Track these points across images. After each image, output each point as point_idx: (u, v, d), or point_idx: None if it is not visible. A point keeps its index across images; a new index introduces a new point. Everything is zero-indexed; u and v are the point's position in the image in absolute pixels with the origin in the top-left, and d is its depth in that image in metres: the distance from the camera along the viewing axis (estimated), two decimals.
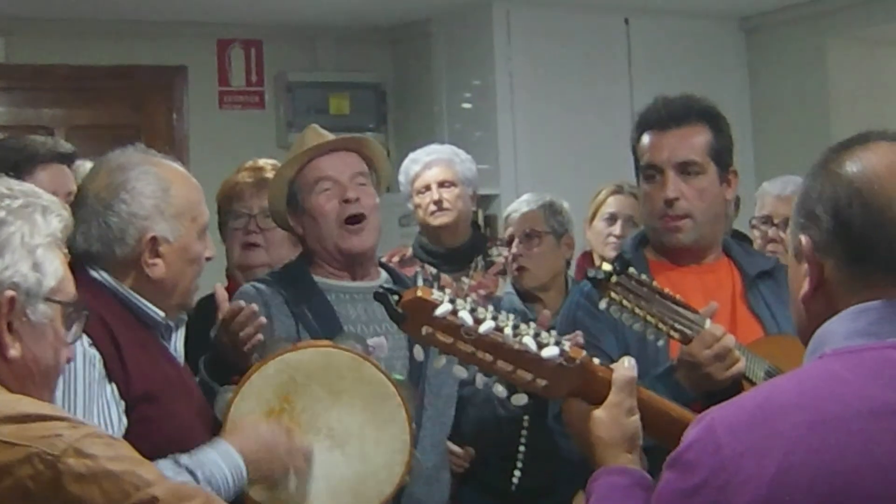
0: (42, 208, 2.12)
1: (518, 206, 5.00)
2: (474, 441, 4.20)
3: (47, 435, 1.89)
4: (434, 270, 5.04)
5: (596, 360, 2.20)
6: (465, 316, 2.06)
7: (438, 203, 5.17)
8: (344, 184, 3.55)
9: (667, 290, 3.04)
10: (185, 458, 2.79)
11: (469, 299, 2.10)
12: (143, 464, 1.95)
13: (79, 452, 1.87)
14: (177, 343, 3.09)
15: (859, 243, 1.80)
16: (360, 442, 3.11)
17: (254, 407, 3.03)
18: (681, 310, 3.04)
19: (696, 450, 1.74)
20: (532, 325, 2.12)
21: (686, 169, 3.36)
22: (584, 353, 2.17)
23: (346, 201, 3.54)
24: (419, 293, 2.07)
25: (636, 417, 2.19)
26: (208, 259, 3.09)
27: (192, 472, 2.75)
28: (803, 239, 1.86)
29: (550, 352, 2.11)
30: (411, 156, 5.33)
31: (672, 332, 3.03)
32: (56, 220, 2.14)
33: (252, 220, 4.13)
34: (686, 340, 3.05)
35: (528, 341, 2.09)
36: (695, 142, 3.39)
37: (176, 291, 3.00)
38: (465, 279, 5.09)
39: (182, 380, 3.06)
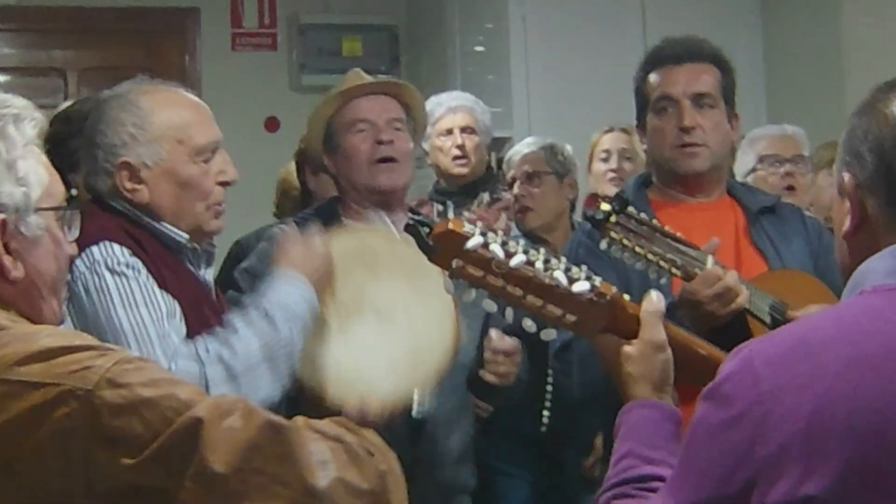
0: (14, 117, 2.04)
1: (519, 148, 5.02)
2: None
3: (76, 369, 1.81)
4: (440, 207, 5.07)
5: (626, 297, 2.19)
6: (497, 249, 2.05)
7: (461, 147, 5.24)
8: (380, 126, 3.60)
9: (667, 227, 3.04)
10: (254, 299, 2.87)
11: (500, 232, 2.09)
12: (178, 384, 1.86)
13: (112, 382, 1.79)
14: (206, 274, 3.08)
15: None
16: (407, 314, 3.15)
17: None
18: (682, 247, 3.04)
19: (733, 382, 1.73)
20: (563, 259, 2.12)
21: (700, 101, 3.42)
22: (614, 288, 2.16)
23: (380, 142, 3.59)
24: (450, 225, 2.05)
25: (667, 353, 2.18)
26: (226, 183, 3.02)
27: (265, 312, 2.83)
28: (846, 176, 1.86)
29: (581, 286, 2.10)
30: (434, 98, 5.36)
31: (674, 270, 3.03)
32: (30, 125, 2.06)
33: None
34: (688, 277, 3.05)
35: (559, 275, 2.08)
36: (708, 77, 3.46)
37: (179, 217, 2.96)
38: (465, 213, 5.10)
39: (212, 302, 3.06)
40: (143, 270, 2.84)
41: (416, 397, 3.17)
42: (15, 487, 1.79)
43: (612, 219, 2.93)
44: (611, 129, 5.46)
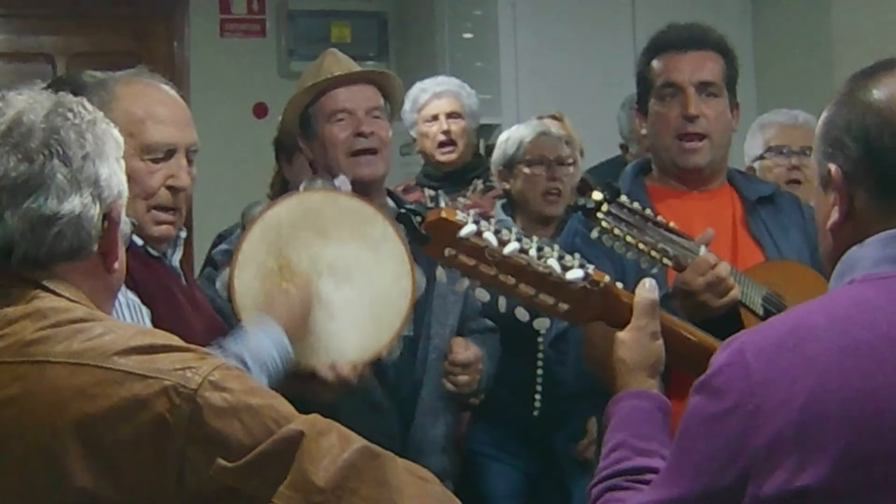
0: (112, 122, 2.08)
1: (541, 130, 4.86)
2: None
3: (179, 367, 1.82)
4: (433, 192, 5.06)
5: (619, 285, 2.19)
6: (490, 237, 2.05)
7: (447, 133, 5.24)
8: (360, 117, 3.58)
9: (660, 217, 3.02)
10: (231, 345, 2.81)
11: (493, 220, 2.09)
12: (276, 397, 1.88)
13: (215, 385, 1.81)
14: (173, 259, 3.03)
15: (890, 174, 1.79)
16: (362, 269, 3.17)
17: (253, 273, 3.08)
18: (674, 237, 3.02)
19: (725, 374, 1.73)
20: (556, 247, 2.12)
21: (705, 89, 3.39)
22: (607, 277, 2.16)
23: (360, 134, 3.57)
24: (443, 214, 2.05)
25: (660, 342, 2.18)
26: (175, 188, 2.92)
27: (242, 360, 2.77)
28: (832, 168, 1.84)
29: (574, 274, 2.10)
30: (419, 85, 5.39)
31: (665, 260, 3.01)
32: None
33: None
34: (680, 268, 3.04)
35: (553, 263, 2.08)
36: (713, 65, 3.43)
37: None
38: (461, 199, 5.09)
39: (183, 287, 3.03)
40: None
41: (384, 347, 3.19)
42: (99, 472, 1.79)
43: (604, 208, 2.91)
44: (540, 118, 5.32)
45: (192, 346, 1.94)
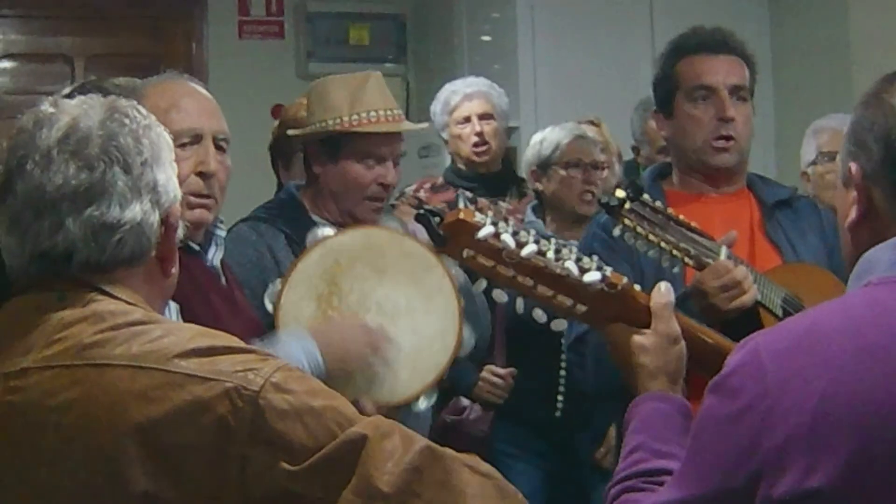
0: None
1: (578, 133, 4.86)
2: None
3: (240, 369, 1.81)
4: (470, 193, 5.06)
5: (637, 287, 2.19)
6: (508, 239, 2.06)
7: (480, 135, 5.22)
8: (388, 166, 3.61)
9: (681, 216, 3.03)
10: (258, 344, 2.82)
11: (511, 222, 2.09)
12: (338, 398, 1.87)
13: (277, 387, 1.80)
14: (213, 259, 3.04)
15: None
16: (410, 315, 3.17)
17: (303, 294, 3.11)
18: (696, 237, 3.04)
19: (740, 375, 1.73)
20: (574, 249, 2.12)
21: (737, 93, 3.41)
22: (625, 279, 2.16)
23: (383, 185, 3.60)
24: (461, 215, 2.06)
25: (681, 346, 2.19)
26: (205, 174, 2.92)
27: None
28: (853, 167, 1.85)
29: (592, 276, 2.10)
30: (449, 86, 5.39)
31: (686, 259, 3.02)
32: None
33: None
34: (700, 267, 3.05)
35: (570, 265, 2.09)
36: (742, 70, 3.45)
37: None
38: (501, 203, 5.09)
39: (220, 288, 3.03)
40: None
41: (412, 396, 3.19)
42: (160, 475, 1.78)
43: (627, 205, 2.92)
44: (579, 123, 5.23)
45: (253, 348, 1.94)
